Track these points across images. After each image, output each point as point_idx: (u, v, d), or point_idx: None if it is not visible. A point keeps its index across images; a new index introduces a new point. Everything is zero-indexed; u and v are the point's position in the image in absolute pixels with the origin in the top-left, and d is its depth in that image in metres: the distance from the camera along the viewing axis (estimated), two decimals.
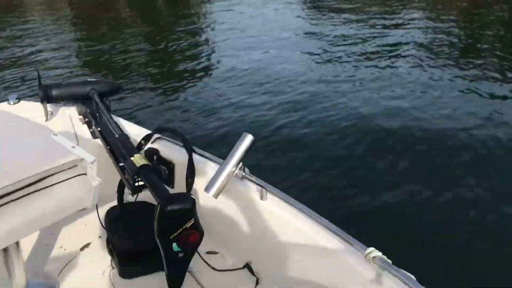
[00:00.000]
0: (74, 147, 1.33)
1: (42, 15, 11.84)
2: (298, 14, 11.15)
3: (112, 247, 1.72)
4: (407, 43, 8.11)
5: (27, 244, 1.79)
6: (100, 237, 1.86)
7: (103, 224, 1.83)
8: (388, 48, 7.83)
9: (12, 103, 2.24)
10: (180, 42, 8.44)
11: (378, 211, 3.30)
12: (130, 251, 1.68)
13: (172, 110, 5.17)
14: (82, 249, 1.79)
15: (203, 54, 7.61)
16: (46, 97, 2.08)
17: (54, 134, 1.37)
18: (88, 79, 2.23)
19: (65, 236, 1.85)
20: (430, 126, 4.69)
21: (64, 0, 14.69)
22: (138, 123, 2.36)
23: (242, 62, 6.97)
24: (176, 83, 6.13)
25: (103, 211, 1.86)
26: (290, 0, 13.08)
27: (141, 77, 6.40)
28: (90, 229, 1.90)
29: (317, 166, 3.93)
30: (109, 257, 1.74)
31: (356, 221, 3.10)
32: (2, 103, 2.26)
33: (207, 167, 1.73)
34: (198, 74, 6.51)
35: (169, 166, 1.86)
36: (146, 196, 1.66)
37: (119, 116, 2.26)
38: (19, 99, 2.27)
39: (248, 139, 1.52)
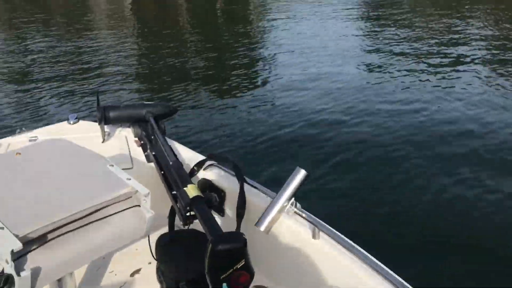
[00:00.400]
0: (130, 179, 1.34)
1: (105, 32, 12.35)
2: (357, 32, 10.90)
3: (162, 276, 1.71)
4: (470, 61, 7.80)
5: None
6: (150, 263, 1.87)
7: (153, 251, 1.84)
8: (450, 66, 7.54)
9: (72, 122, 2.32)
10: (237, 61, 8.47)
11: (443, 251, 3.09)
12: (179, 281, 1.67)
13: (226, 133, 5.14)
14: (132, 275, 1.80)
15: (260, 75, 7.54)
16: (103, 119, 2.13)
17: (111, 165, 1.39)
18: (145, 102, 2.28)
19: (116, 261, 1.87)
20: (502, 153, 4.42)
21: (127, 19, 15.29)
22: (192, 145, 2.38)
23: (299, 83, 6.84)
24: (231, 104, 6.12)
25: (154, 236, 1.87)
26: (349, 18, 12.96)
27: (196, 96, 6.46)
28: (141, 254, 1.91)
29: (374, 199, 3.73)
30: (159, 285, 1.74)
31: (416, 265, 2.91)
32: (62, 122, 2.34)
33: (258, 199, 1.70)
34: (254, 96, 6.45)
35: (220, 194, 1.84)
36: (196, 223, 1.65)
37: (173, 138, 2.29)
38: (78, 118, 2.34)
39: (301, 174, 1.48)
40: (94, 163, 1.40)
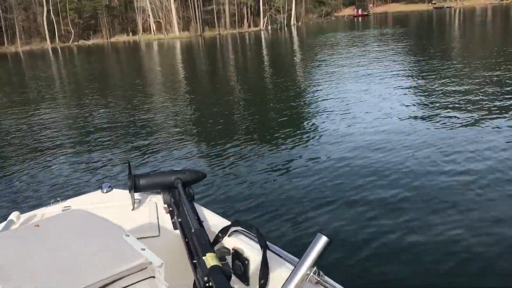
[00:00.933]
0: (144, 249, 1.33)
1: (151, 104, 12.89)
2: (401, 91, 10.74)
3: None
4: None
5: None
6: None
7: None
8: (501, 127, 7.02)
9: (105, 191, 2.39)
10: (273, 126, 8.45)
11: None
12: None
13: (256, 195, 5.05)
14: None
15: (296, 140, 7.35)
16: (133, 187, 2.18)
17: (126, 235, 1.39)
18: (174, 168, 2.31)
19: None
20: None
21: (176, 90, 15.97)
22: (221, 209, 2.37)
23: (339, 152, 6.49)
24: (261, 167, 6.02)
25: None
26: (393, 75, 12.94)
27: (229, 160, 6.45)
28: None
29: (404, 268, 3.43)
30: None
31: None
32: (96, 192, 2.41)
33: (281, 266, 1.64)
34: (287, 159, 6.29)
35: (244, 261, 1.79)
36: None
37: (203, 203, 2.29)
38: (111, 187, 2.41)
39: (322, 240, 1.42)
40: (109, 233, 1.41)
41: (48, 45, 62.12)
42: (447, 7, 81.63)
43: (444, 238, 3.85)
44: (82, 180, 6.09)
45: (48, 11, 63.04)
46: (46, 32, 63.08)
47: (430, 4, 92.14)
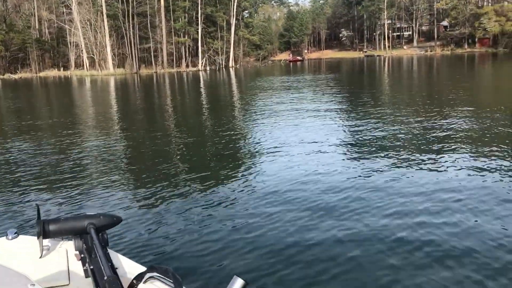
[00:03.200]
0: None
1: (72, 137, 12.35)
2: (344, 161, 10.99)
3: None
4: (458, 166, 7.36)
5: None
6: None
7: None
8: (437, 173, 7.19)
9: (10, 237, 2.21)
10: (203, 170, 8.01)
11: None
12: None
13: (176, 240, 4.88)
14: None
15: (221, 186, 6.92)
16: (42, 233, 2.04)
17: (32, 284, 1.30)
18: (87, 213, 2.20)
19: None
20: None
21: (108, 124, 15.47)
22: (137, 256, 2.26)
23: (264, 194, 6.36)
24: (181, 214, 5.76)
25: None
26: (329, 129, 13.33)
27: (147, 203, 6.16)
28: None
29: None
30: None
31: None
32: (0, 238, 2.22)
33: None
34: (207, 207, 5.98)
35: None
36: None
37: (118, 249, 2.18)
38: (17, 233, 2.24)
39: (238, 283, 1.40)
40: (13, 283, 1.29)
41: None
42: (377, 56, 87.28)
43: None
44: None
45: None
46: None
47: (361, 52, 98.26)
